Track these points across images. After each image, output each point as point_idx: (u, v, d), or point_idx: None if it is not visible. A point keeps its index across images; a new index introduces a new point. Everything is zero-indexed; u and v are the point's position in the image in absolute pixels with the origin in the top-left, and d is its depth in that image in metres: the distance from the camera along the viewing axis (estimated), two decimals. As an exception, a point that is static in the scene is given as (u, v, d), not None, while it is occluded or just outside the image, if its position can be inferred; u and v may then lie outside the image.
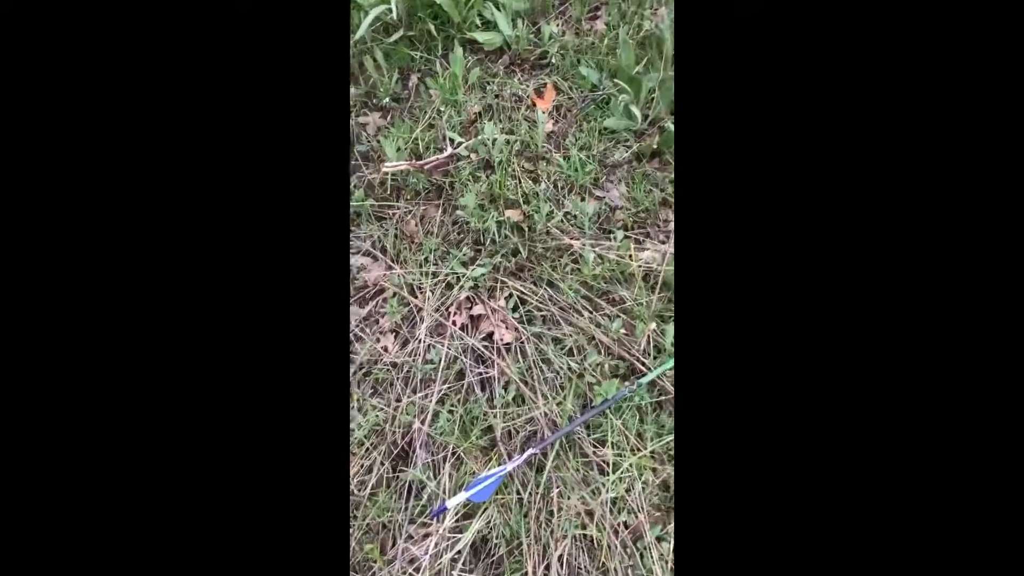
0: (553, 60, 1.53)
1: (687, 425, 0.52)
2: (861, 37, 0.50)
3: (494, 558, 1.05)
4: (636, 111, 1.39)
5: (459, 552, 1.04)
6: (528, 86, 1.50)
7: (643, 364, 1.19)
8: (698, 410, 0.51)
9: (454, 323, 1.25)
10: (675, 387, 1.16)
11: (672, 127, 1.37)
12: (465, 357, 1.22)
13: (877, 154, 0.49)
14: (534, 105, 1.47)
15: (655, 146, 1.39)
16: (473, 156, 1.41)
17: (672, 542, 1.04)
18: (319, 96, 0.51)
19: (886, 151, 0.49)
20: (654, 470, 1.09)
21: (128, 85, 0.48)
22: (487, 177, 1.38)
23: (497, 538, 1.05)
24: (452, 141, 1.42)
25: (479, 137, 1.40)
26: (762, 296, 0.51)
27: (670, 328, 1.18)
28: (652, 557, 1.02)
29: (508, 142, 1.41)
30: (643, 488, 1.08)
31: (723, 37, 0.52)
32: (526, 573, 1.02)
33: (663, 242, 1.32)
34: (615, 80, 1.43)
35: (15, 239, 0.46)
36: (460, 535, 1.05)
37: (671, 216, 1.34)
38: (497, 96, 1.49)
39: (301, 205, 0.50)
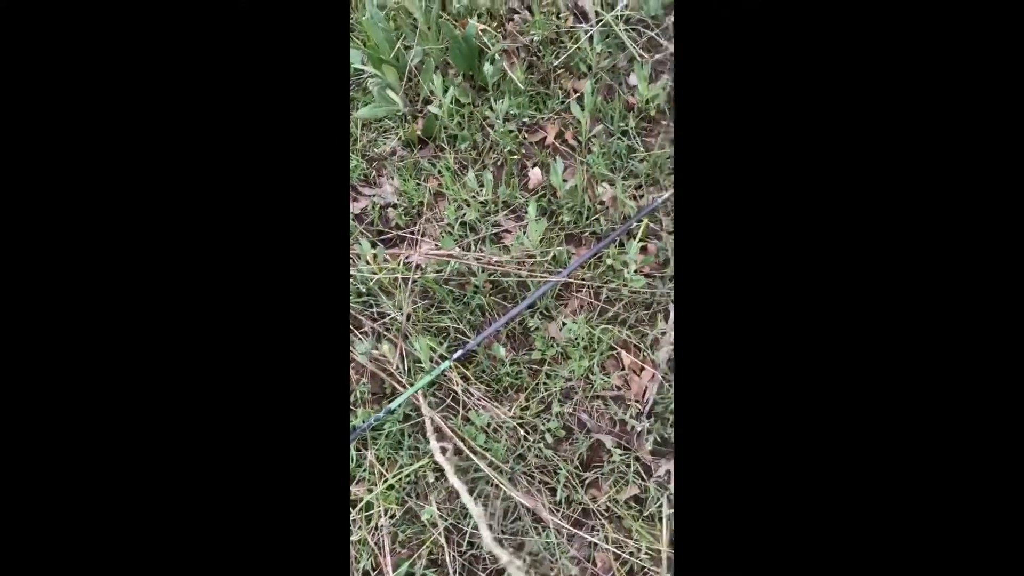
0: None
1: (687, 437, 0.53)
2: (861, 37, 0.50)
3: None
4: (395, 96, 1.25)
5: None
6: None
7: (400, 384, 1.10)
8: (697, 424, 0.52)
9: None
10: (675, 395, 1.08)
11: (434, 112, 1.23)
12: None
13: (878, 155, 0.49)
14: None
15: (419, 133, 1.26)
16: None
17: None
18: (319, 96, 0.51)
19: (886, 153, 0.49)
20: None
21: (128, 85, 0.48)
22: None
23: None
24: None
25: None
26: (759, 303, 0.51)
27: (423, 343, 1.08)
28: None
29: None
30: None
31: (724, 32, 0.52)
32: None
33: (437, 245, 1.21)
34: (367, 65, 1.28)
35: (14, 239, 0.46)
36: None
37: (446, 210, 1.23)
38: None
39: (301, 205, 0.50)
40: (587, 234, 1.21)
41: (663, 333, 1.12)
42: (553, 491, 1.03)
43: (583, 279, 1.17)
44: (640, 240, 1.15)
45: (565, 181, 1.20)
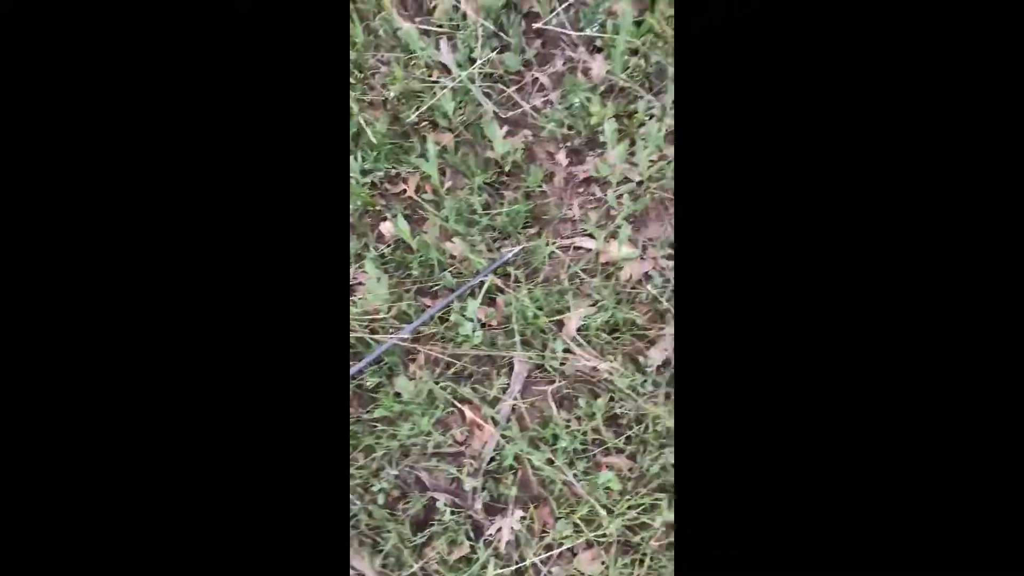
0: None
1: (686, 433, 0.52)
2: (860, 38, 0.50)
3: None
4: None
5: None
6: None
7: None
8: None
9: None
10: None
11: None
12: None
13: (877, 158, 0.49)
14: None
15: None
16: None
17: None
18: (319, 96, 0.51)
19: (886, 162, 0.49)
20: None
21: (127, 85, 0.48)
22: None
23: None
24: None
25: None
26: (759, 311, 0.51)
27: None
28: None
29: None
30: None
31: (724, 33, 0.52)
32: None
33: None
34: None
35: (13, 238, 0.46)
36: None
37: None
38: None
39: (301, 205, 0.50)
40: (434, 289, 1.22)
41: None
42: (383, 552, 1.02)
43: (430, 334, 1.17)
44: (485, 294, 1.17)
45: (416, 235, 1.21)
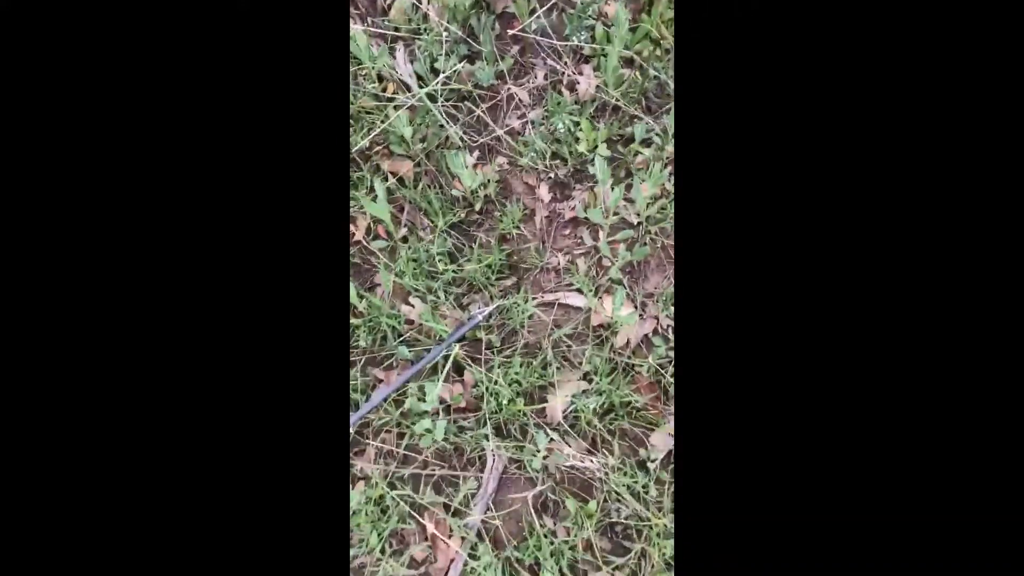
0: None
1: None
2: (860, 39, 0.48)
3: None
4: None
5: None
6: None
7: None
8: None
9: None
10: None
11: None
12: None
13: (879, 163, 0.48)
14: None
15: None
16: None
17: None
18: (319, 96, 0.50)
19: (887, 166, 0.47)
20: None
21: (127, 85, 0.47)
22: None
23: None
24: None
25: None
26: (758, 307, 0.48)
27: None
28: None
29: None
30: None
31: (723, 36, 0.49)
32: None
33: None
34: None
35: (11, 237, 0.46)
36: None
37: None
38: None
39: (300, 204, 0.50)
40: (389, 361, 0.99)
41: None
42: None
43: (382, 420, 0.94)
44: (448, 370, 0.94)
45: (362, 296, 0.98)
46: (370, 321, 0.98)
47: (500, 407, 0.93)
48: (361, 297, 0.98)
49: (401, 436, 0.94)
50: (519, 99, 1.12)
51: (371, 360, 0.99)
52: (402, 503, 0.89)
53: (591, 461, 0.90)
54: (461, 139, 1.08)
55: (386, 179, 1.08)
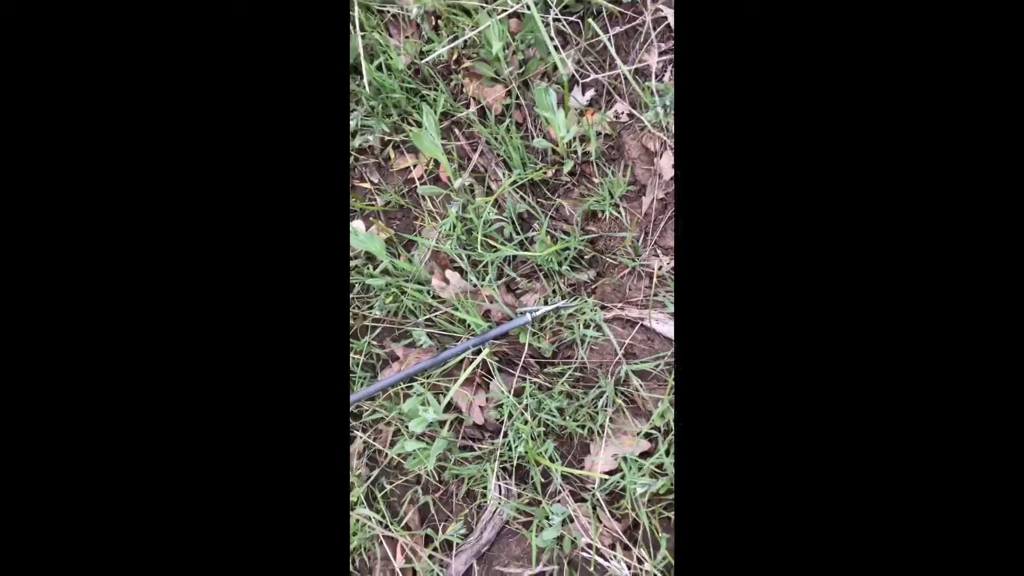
0: None
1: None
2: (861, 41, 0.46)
3: None
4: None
5: None
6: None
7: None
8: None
9: None
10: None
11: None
12: None
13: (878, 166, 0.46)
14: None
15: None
16: None
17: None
18: (319, 96, 0.51)
19: (887, 166, 0.46)
20: None
21: (127, 85, 0.48)
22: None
23: None
24: None
25: None
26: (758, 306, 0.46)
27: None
28: None
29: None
30: None
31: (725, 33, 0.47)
32: None
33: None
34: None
35: (11, 237, 0.46)
36: None
37: None
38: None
39: (300, 204, 0.49)
40: (410, 339, 0.78)
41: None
42: None
43: (378, 415, 0.76)
44: (474, 371, 0.72)
45: (394, 253, 0.77)
46: (397, 286, 0.77)
47: (522, 441, 0.70)
48: (392, 253, 0.77)
49: (397, 434, 0.75)
50: (666, 26, 0.80)
51: (389, 331, 0.79)
52: (368, 524, 0.71)
53: (619, 561, 0.65)
54: (574, 72, 0.79)
55: (447, 105, 0.83)
